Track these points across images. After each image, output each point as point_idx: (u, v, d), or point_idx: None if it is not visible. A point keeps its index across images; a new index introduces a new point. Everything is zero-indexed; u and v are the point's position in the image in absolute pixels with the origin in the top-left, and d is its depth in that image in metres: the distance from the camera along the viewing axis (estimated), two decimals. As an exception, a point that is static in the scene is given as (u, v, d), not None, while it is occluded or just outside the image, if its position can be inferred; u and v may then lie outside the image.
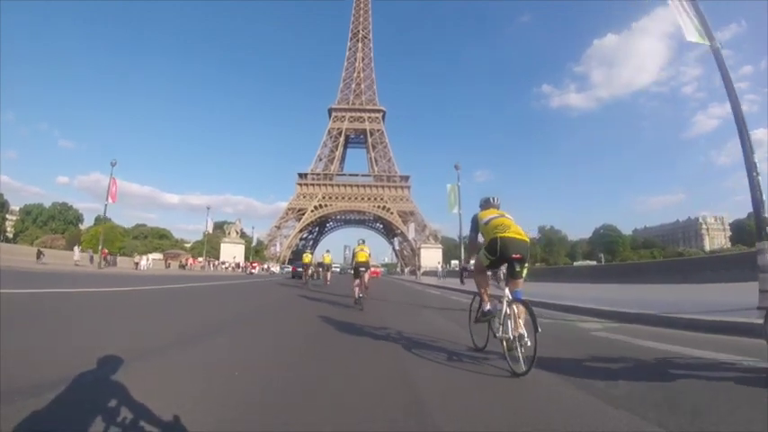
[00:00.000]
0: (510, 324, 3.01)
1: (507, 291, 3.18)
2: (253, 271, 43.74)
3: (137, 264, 31.51)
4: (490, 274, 3.71)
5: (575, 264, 62.61)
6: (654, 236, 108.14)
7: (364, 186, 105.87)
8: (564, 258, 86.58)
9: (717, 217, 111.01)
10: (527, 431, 1.92)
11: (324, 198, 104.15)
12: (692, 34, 6.30)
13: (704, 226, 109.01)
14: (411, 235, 42.05)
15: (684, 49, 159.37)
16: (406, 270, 68.51)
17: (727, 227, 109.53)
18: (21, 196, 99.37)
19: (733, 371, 2.95)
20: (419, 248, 63.19)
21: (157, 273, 26.21)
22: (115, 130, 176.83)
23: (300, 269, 21.17)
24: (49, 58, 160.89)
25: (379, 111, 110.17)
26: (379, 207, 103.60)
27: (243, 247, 62.65)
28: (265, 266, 56.27)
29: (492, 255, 3.21)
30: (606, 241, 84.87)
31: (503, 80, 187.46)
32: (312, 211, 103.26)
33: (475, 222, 3.55)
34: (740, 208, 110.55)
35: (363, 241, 9.41)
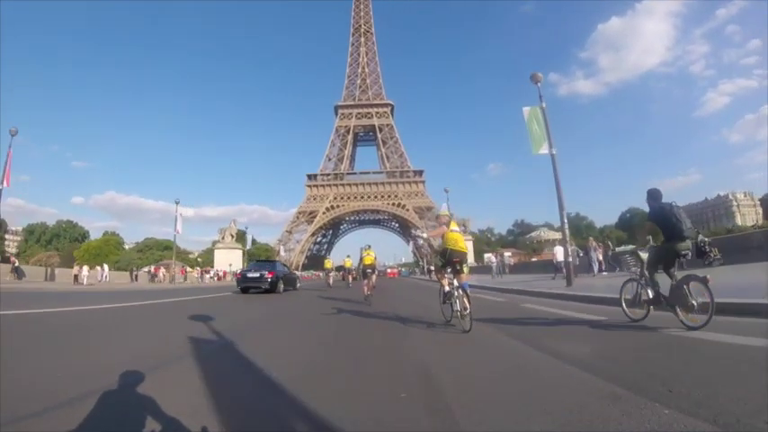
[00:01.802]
0: (458, 302, 4.83)
1: (456, 281, 5.03)
2: None
3: (76, 276, 25.12)
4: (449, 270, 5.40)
5: (617, 249, 57.49)
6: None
7: (377, 184, 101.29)
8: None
9: (746, 193, 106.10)
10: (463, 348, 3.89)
11: (335, 198, 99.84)
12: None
13: (735, 203, 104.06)
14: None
15: (690, 26, 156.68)
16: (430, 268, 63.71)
17: (758, 203, 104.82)
18: (35, 218, 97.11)
19: (592, 324, 4.87)
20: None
21: (89, 289, 18.49)
22: (126, 147, 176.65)
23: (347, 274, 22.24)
24: (55, 80, 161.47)
25: (386, 105, 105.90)
26: (393, 204, 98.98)
27: (240, 252, 54.78)
28: None
29: (443, 258, 5.20)
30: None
31: (509, 71, 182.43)
32: (324, 213, 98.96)
33: (448, 224, 5.29)
34: (754, 185, 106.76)
35: (369, 246, 10.88)
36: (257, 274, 14.20)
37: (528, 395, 2.24)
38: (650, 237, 4.75)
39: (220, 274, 45.25)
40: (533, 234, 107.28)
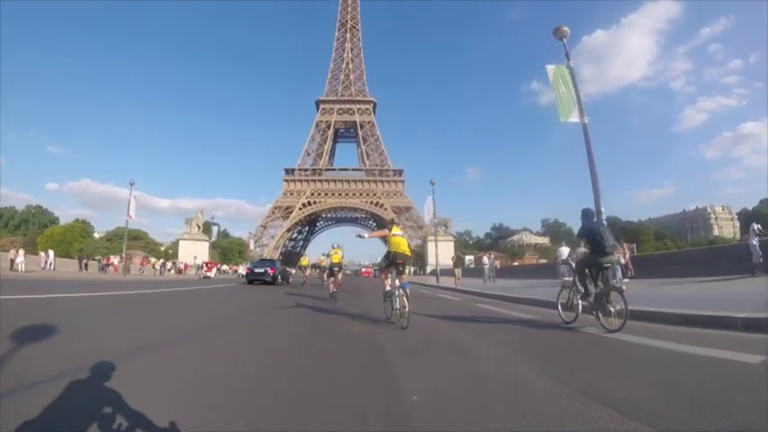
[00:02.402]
0: (398, 301, 5.25)
1: (397, 281, 5.49)
2: (209, 274, 31.71)
3: (12, 261, 22.80)
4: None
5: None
6: (660, 227, 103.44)
7: (355, 181, 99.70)
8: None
9: (724, 206, 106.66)
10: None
11: (312, 195, 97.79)
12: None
13: (713, 215, 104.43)
14: (428, 216, 31.52)
15: (673, 44, 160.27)
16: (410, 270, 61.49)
17: (735, 216, 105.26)
18: (8, 203, 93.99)
19: (527, 322, 5.82)
20: (427, 241, 54.38)
21: (14, 276, 16.68)
22: (103, 135, 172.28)
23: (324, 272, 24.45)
24: (35, 65, 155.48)
25: (369, 102, 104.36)
26: (371, 203, 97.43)
27: (207, 244, 51.88)
28: (236, 268, 47.43)
29: (387, 260, 5.79)
30: (631, 230, 79.36)
31: (492, 77, 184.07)
32: (300, 208, 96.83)
33: (391, 228, 5.93)
34: (729, 200, 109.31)
35: (338, 246, 11.18)
36: (262, 270, 18.52)
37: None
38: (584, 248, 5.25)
39: (181, 266, 41.80)
40: (514, 238, 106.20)
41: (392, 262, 5.59)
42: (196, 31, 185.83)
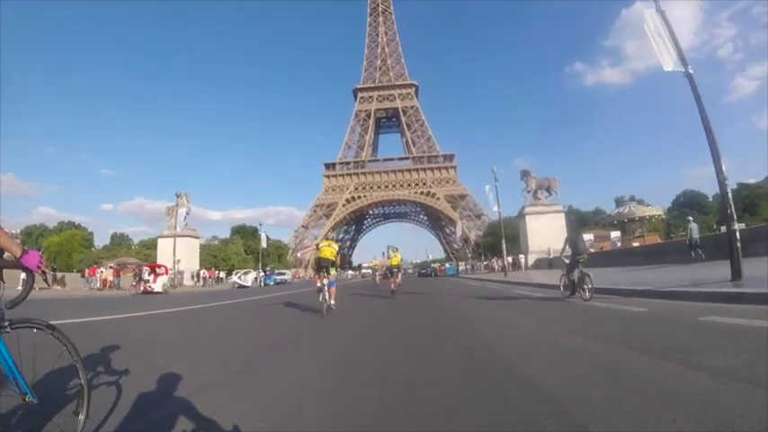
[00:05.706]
0: (324, 295, 7.12)
1: (325, 281, 7.24)
2: (153, 287, 19.84)
3: None
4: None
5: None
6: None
7: (402, 171, 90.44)
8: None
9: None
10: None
11: (356, 189, 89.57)
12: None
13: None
14: (664, 56, 15.61)
15: (716, 9, 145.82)
16: (468, 265, 50.32)
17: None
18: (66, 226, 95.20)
19: (542, 299, 8.34)
20: (524, 215, 39.85)
21: None
22: (154, 154, 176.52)
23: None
24: (80, 91, 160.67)
25: (410, 86, 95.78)
26: (422, 193, 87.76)
27: (197, 242, 38.56)
28: (234, 276, 33.73)
29: (316, 265, 7.97)
30: (744, 195, 66.42)
31: (534, 59, 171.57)
32: (344, 205, 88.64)
33: (318, 243, 8.19)
34: None
35: (396, 249, 13.85)
36: (426, 271, 43.46)
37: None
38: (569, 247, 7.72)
39: (103, 276, 25.25)
40: (622, 211, 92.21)
41: (319, 266, 7.53)
42: (226, 37, 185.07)
